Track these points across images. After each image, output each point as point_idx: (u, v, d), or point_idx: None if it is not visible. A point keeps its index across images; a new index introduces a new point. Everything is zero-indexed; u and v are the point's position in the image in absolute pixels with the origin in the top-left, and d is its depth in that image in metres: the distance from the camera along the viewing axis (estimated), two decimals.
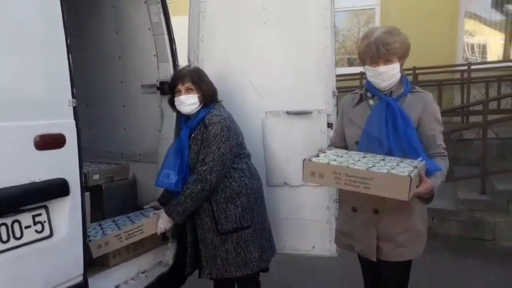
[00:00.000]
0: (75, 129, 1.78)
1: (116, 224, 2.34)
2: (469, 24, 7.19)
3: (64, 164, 1.74)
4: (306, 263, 3.31)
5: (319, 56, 2.38)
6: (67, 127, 1.75)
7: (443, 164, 1.81)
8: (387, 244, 1.86)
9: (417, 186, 1.64)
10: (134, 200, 2.84)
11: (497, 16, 7.20)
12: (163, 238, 2.49)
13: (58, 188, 1.72)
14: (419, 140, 1.80)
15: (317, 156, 1.80)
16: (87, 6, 2.84)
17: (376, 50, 1.77)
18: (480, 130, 4.48)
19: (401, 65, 1.87)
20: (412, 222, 1.86)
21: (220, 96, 2.50)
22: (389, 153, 1.79)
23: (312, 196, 2.49)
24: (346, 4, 7.92)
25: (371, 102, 1.92)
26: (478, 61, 7.10)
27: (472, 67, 6.58)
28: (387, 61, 1.80)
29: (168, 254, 2.53)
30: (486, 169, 4.30)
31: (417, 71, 6.67)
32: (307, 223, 2.53)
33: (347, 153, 1.83)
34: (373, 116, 1.86)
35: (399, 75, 1.86)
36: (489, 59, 7.23)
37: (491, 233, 4.08)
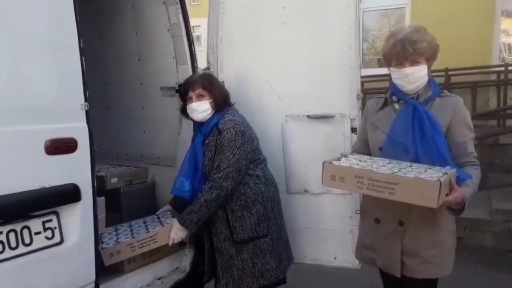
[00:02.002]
0: (87, 133, 1.75)
1: (131, 230, 2.30)
2: (506, 23, 6.85)
3: (75, 169, 1.71)
4: (330, 272, 3.19)
5: (342, 57, 2.27)
6: (79, 131, 1.72)
7: (475, 173, 1.67)
8: (412, 259, 1.72)
9: (447, 195, 1.51)
10: (153, 204, 2.80)
11: None
12: (181, 244, 2.43)
13: (69, 194, 1.69)
14: (448, 147, 1.66)
15: (339, 159, 1.70)
16: (108, 7, 2.83)
17: (402, 49, 1.66)
18: None
19: (429, 67, 1.74)
20: (440, 237, 1.72)
21: (238, 99, 2.43)
22: (416, 160, 1.67)
23: (333, 204, 2.38)
24: (375, 3, 7.73)
25: (396, 106, 1.80)
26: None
27: (509, 68, 6.26)
28: (414, 62, 1.68)
29: (185, 260, 2.47)
30: None
31: (449, 73, 6.41)
32: (328, 233, 2.42)
33: (371, 159, 1.72)
34: (398, 121, 1.74)
35: (426, 77, 1.73)
36: None
37: None
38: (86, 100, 1.73)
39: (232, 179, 2.01)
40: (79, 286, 1.76)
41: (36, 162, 1.57)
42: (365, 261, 1.92)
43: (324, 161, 1.65)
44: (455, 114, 1.70)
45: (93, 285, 1.81)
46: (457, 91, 6.51)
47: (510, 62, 6.49)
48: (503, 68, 6.26)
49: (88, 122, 1.75)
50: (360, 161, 1.68)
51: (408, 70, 1.68)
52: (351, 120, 2.30)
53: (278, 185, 2.38)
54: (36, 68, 1.58)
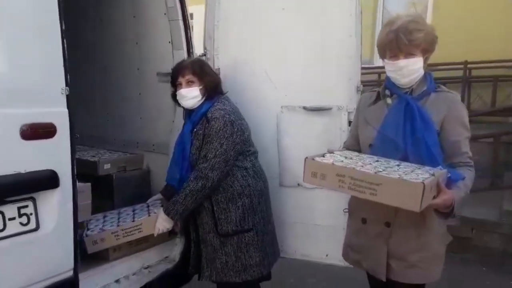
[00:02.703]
0: (67, 118, 1.69)
1: (118, 218, 2.27)
2: None
3: (54, 155, 1.66)
4: (323, 267, 3.12)
5: (342, 46, 2.17)
6: (59, 116, 1.66)
7: (468, 174, 1.56)
8: (399, 263, 1.64)
9: (434, 197, 1.41)
10: (147, 191, 2.76)
11: None
12: (172, 233, 2.40)
13: (47, 180, 1.64)
14: (441, 147, 1.56)
15: (323, 155, 1.61)
16: None
17: (396, 40, 1.55)
18: None
19: (426, 60, 1.63)
20: (427, 240, 1.63)
21: (234, 87, 2.36)
22: (405, 158, 1.57)
23: (327, 199, 2.29)
24: None
25: (389, 100, 1.70)
26: None
27: None
28: (409, 54, 1.57)
29: (175, 250, 2.44)
30: None
31: (469, 65, 6.15)
32: (320, 229, 2.35)
33: (358, 156, 1.63)
34: (390, 116, 1.64)
35: (421, 71, 1.62)
36: None
37: None
38: (67, 85, 1.68)
39: (218, 170, 1.95)
40: (56, 273, 1.73)
41: (10, 147, 1.53)
42: (352, 263, 1.85)
43: (306, 157, 1.57)
44: (450, 111, 1.59)
45: (71, 272, 1.78)
46: (478, 85, 6.27)
47: None
48: None
49: (69, 107, 1.70)
50: (346, 158, 1.59)
51: (402, 62, 1.58)
52: (349, 113, 2.20)
53: (271, 178, 2.32)
54: (12, 50, 1.53)
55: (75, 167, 1.75)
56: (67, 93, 1.68)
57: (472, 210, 3.96)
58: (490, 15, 6.12)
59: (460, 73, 6.20)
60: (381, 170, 1.43)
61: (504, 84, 6.11)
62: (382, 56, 1.65)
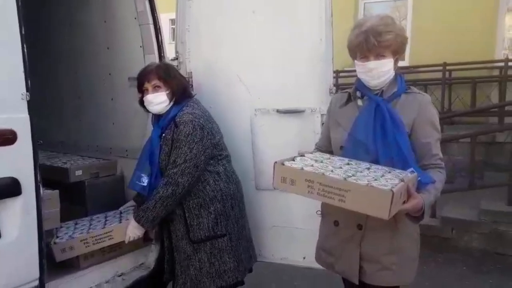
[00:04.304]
0: (29, 124, 1.66)
1: (90, 225, 2.23)
2: (510, 18, 6.64)
3: (15, 162, 1.62)
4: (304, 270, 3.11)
5: (312, 49, 2.15)
6: (19, 122, 1.63)
7: (438, 177, 1.55)
8: (371, 265, 1.62)
9: (404, 202, 1.40)
10: (121, 198, 2.72)
11: None
12: (147, 239, 2.36)
13: (7, 188, 1.60)
14: (412, 148, 1.55)
15: (293, 159, 1.58)
16: None
17: (365, 41, 1.53)
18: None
19: (396, 62, 1.62)
20: (400, 242, 1.61)
21: (207, 91, 2.33)
22: (376, 160, 1.56)
23: (303, 202, 2.22)
24: None
25: (359, 102, 1.69)
26: None
27: (510, 63, 6.06)
28: (379, 55, 1.56)
29: (150, 256, 2.41)
30: None
31: (448, 67, 6.23)
32: (297, 231, 2.32)
33: (329, 159, 1.61)
34: (360, 119, 1.62)
35: (392, 72, 1.61)
36: None
37: None
38: (27, 90, 1.64)
39: (189, 175, 1.92)
40: (21, 283, 1.68)
41: None
42: (324, 265, 1.82)
43: (275, 162, 1.54)
44: (421, 113, 1.58)
45: (37, 282, 1.73)
46: (457, 86, 6.35)
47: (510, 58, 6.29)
48: (503, 64, 6.07)
49: (30, 113, 1.66)
50: (316, 161, 1.57)
51: (372, 64, 1.56)
52: (322, 115, 2.18)
53: (247, 182, 2.29)
54: None
55: (38, 174, 1.71)
56: (28, 99, 1.65)
57: (453, 210, 3.99)
58: (469, 18, 6.22)
59: (440, 74, 6.28)
60: (351, 174, 1.41)
61: (483, 85, 6.20)
62: (353, 57, 1.64)
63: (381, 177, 1.41)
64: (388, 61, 1.57)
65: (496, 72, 6.37)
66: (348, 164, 1.54)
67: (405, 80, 1.68)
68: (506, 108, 5.27)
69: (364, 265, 1.63)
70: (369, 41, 1.53)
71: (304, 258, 2.34)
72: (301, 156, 1.63)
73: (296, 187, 1.48)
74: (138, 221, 2.00)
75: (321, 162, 1.56)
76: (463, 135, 4.25)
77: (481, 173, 4.50)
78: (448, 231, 3.86)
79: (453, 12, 6.26)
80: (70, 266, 2.09)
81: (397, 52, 1.60)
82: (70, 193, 2.47)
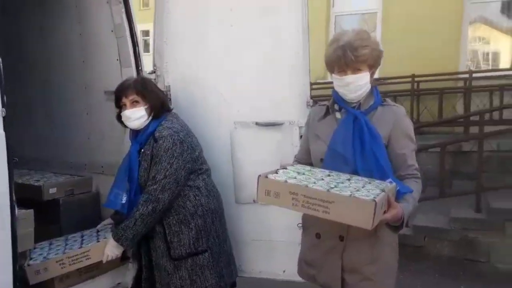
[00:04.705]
0: (4, 141, 1.59)
1: (65, 245, 2.15)
2: (474, 31, 6.96)
3: None
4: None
5: (290, 63, 2.19)
6: None
7: (415, 187, 1.59)
8: (352, 276, 1.64)
9: (385, 212, 1.43)
10: (97, 216, 2.64)
11: (504, 23, 6.96)
12: (123, 258, 2.29)
13: None
14: (389, 159, 1.59)
15: (276, 172, 1.59)
16: (50, 6, 2.67)
17: (343, 56, 1.57)
18: (478, 142, 4.24)
19: (372, 75, 1.66)
20: (380, 253, 1.64)
21: (185, 104, 2.32)
22: (355, 171, 1.59)
23: (283, 215, 2.26)
24: (349, 8, 7.75)
25: (338, 115, 1.72)
26: (486, 68, 6.87)
27: (475, 75, 6.35)
28: (356, 69, 1.60)
29: (128, 275, 2.35)
30: (482, 185, 4.03)
31: (417, 79, 6.45)
32: (277, 245, 2.32)
33: (310, 170, 1.63)
34: (339, 131, 1.65)
35: (369, 86, 1.65)
36: (498, 66, 6.98)
37: (485, 254, 3.80)
38: (3, 106, 1.58)
39: (169, 191, 1.89)
40: None
41: None
42: (307, 278, 1.83)
43: (259, 175, 1.54)
44: (397, 125, 1.63)
45: None
46: (425, 97, 6.57)
47: (475, 70, 6.58)
48: (468, 75, 6.34)
49: (5, 129, 1.60)
50: (299, 173, 1.58)
51: (350, 78, 1.60)
52: (300, 128, 2.21)
53: (227, 196, 2.28)
54: None
55: (13, 193, 1.65)
56: (3, 115, 1.59)
57: (424, 219, 4.10)
58: (436, 31, 6.46)
59: (408, 86, 6.48)
60: (333, 186, 1.44)
61: (450, 96, 6.43)
62: (330, 71, 1.67)
63: (362, 187, 1.44)
64: (364, 75, 1.61)
65: (461, 83, 6.64)
66: (329, 175, 1.56)
67: None
68: (471, 118, 5.48)
69: (345, 276, 1.65)
70: (347, 56, 1.57)
71: (284, 271, 2.34)
72: (283, 169, 1.64)
73: (281, 200, 1.49)
74: (117, 240, 1.95)
75: (303, 174, 1.58)
76: (432, 144, 4.39)
77: (450, 181, 4.65)
78: (421, 239, 3.96)
79: (421, 24, 6.50)
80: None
81: (373, 65, 1.64)
82: (43, 212, 2.37)
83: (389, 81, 6.32)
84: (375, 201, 1.32)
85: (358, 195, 1.37)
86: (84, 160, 2.72)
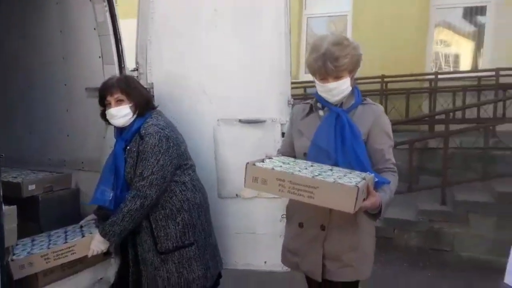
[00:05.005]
0: None
1: (49, 241, 2.14)
2: (439, 34, 7.27)
3: None
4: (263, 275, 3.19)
5: (273, 62, 2.28)
6: None
7: (392, 179, 1.72)
8: (333, 263, 1.75)
9: (364, 199, 1.54)
10: (77, 212, 2.64)
11: (467, 27, 7.31)
12: (105, 254, 2.30)
13: None
14: (368, 154, 1.71)
15: (262, 161, 1.68)
16: (31, 2, 2.64)
17: (324, 66, 1.66)
18: (443, 139, 4.48)
19: (352, 77, 1.77)
20: (359, 241, 1.76)
21: (169, 102, 2.36)
22: (336, 165, 1.69)
23: (264, 208, 2.38)
24: (320, 10, 7.91)
25: (321, 113, 1.82)
26: (448, 70, 7.19)
27: (440, 76, 6.64)
28: (337, 77, 1.69)
29: (110, 270, 2.36)
30: (447, 179, 4.28)
31: (385, 79, 6.69)
32: (259, 237, 2.41)
33: (294, 161, 1.73)
34: (322, 128, 1.76)
35: (349, 88, 1.75)
36: (459, 68, 7.32)
37: (450, 244, 4.05)
38: None
39: (157, 186, 1.93)
40: None
41: None
42: (290, 266, 1.93)
43: (247, 162, 1.62)
44: (375, 122, 1.75)
45: None
46: (393, 97, 6.82)
47: (440, 71, 6.89)
48: (433, 76, 6.63)
49: None
50: (283, 163, 1.67)
51: (332, 85, 1.69)
52: (281, 125, 2.30)
53: (210, 191, 2.34)
54: None
55: (1, 190, 1.65)
56: None
57: (394, 212, 4.29)
58: (404, 35, 6.72)
59: (378, 86, 6.71)
60: (317, 174, 1.53)
61: (416, 96, 6.71)
62: (313, 75, 1.76)
63: (344, 176, 1.55)
64: (346, 81, 1.71)
65: (426, 84, 6.94)
66: (312, 166, 1.66)
67: None
68: (437, 117, 5.76)
69: (326, 263, 1.76)
70: (328, 67, 1.65)
71: (265, 262, 2.43)
72: (269, 158, 1.72)
73: (268, 186, 1.58)
74: (104, 236, 1.97)
75: (288, 164, 1.67)
76: (401, 142, 4.59)
77: (417, 177, 4.88)
78: (391, 231, 4.15)
79: (390, 26, 6.73)
80: (28, 284, 2.00)
81: (353, 70, 1.74)
82: (22, 209, 2.35)
83: (360, 81, 6.52)
84: (357, 186, 1.44)
85: (341, 181, 1.48)
86: (64, 156, 2.70)
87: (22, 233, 2.18)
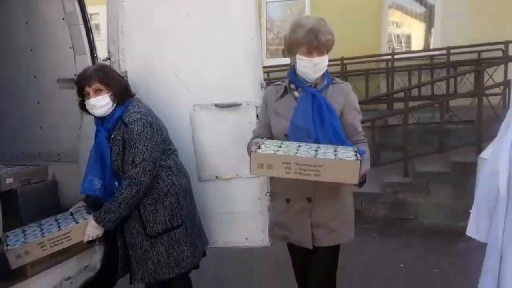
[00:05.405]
0: None
1: (41, 229, 2.14)
2: (392, 15, 7.56)
3: None
4: (244, 253, 3.32)
5: (245, 47, 2.34)
6: None
7: (366, 149, 1.88)
8: (320, 230, 1.90)
9: None
10: (56, 203, 2.64)
11: (418, 8, 7.63)
12: (89, 241, 2.34)
13: None
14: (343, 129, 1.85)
15: (259, 147, 1.74)
16: None
17: (316, 39, 1.76)
18: (402, 116, 4.75)
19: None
20: (341, 208, 1.93)
21: (144, 89, 2.39)
22: (317, 142, 1.82)
23: (244, 188, 2.47)
24: None
25: (296, 94, 1.93)
26: (401, 50, 7.52)
27: (396, 56, 6.94)
28: (321, 52, 1.81)
29: (95, 257, 2.40)
30: (408, 153, 4.57)
31: (345, 61, 6.91)
32: (239, 215, 2.50)
33: (283, 143, 1.81)
34: (300, 108, 1.87)
35: (326, 67, 1.88)
36: (411, 48, 7.67)
37: (413, 213, 4.36)
38: None
39: (149, 172, 1.98)
40: None
41: None
42: (279, 238, 2.06)
43: (251, 151, 1.69)
44: (347, 99, 1.89)
45: None
46: (352, 78, 7.08)
47: (396, 52, 7.20)
48: (390, 57, 6.92)
49: None
50: (278, 146, 1.76)
51: (317, 59, 1.81)
52: (256, 108, 2.39)
53: (190, 174, 2.41)
54: None
55: None
56: None
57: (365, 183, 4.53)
58: (361, 14, 6.95)
59: (338, 68, 6.94)
60: (314, 154, 1.65)
61: (374, 76, 7.00)
62: (294, 53, 1.85)
63: (337, 151, 1.68)
64: (326, 58, 1.84)
65: (383, 64, 7.23)
66: (300, 146, 1.77)
67: None
68: (395, 95, 6.06)
69: (314, 231, 1.91)
70: (320, 39, 1.77)
71: (246, 238, 2.54)
72: (264, 144, 1.80)
73: (274, 171, 1.67)
74: (99, 223, 2.00)
75: (281, 147, 1.76)
76: (363, 120, 4.82)
77: (379, 153, 5.16)
78: (358, 204, 4.40)
79: (347, 9, 6.93)
80: (17, 276, 2.01)
81: (329, 50, 1.87)
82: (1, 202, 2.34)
83: None
84: (359, 160, 1.58)
85: (342, 157, 1.61)
86: (38, 149, 2.69)
87: (4, 227, 2.19)
